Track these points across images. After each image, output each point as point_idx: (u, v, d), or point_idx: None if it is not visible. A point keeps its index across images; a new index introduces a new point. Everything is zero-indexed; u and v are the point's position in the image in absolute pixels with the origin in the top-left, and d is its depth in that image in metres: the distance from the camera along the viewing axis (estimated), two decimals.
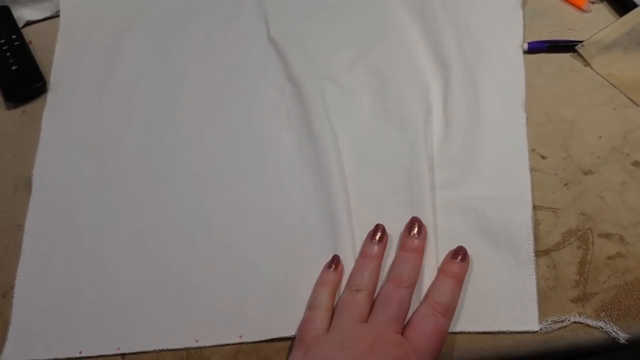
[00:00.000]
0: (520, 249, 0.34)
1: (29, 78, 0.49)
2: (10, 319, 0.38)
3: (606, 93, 0.40)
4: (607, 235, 0.34)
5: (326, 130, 0.40)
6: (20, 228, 0.41)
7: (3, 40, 0.51)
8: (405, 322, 0.31)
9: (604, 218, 0.34)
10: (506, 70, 0.42)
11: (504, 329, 0.31)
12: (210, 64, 0.47)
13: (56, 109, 0.47)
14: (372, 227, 0.36)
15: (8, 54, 0.50)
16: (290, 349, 0.33)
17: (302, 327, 0.32)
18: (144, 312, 0.36)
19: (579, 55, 0.42)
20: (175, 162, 0.43)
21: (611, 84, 0.40)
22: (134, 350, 0.35)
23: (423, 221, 0.35)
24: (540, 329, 0.31)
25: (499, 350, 0.31)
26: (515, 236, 0.34)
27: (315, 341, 0.31)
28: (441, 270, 0.33)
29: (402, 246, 0.34)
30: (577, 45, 0.42)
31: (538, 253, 0.34)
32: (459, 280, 0.32)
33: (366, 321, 0.31)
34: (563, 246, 0.34)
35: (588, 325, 0.31)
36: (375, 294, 0.33)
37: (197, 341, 0.34)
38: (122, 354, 0.35)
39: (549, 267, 0.33)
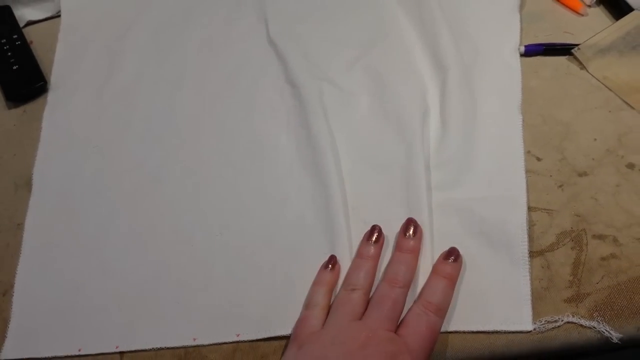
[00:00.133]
0: (515, 250, 0.34)
1: (30, 78, 0.49)
2: (10, 316, 0.38)
3: (601, 96, 0.40)
4: (600, 237, 0.34)
5: (324, 131, 0.41)
6: (20, 227, 0.42)
7: (4, 40, 0.51)
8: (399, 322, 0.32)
9: (598, 219, 0.35)
10: (503, 72, 0.42)
11: (498, 328, 0.32)
12: (210, 64, 0.48)
13: (57, 109, 0.48)
14: (369, 227, 0.36)
15: (9, 54, 0.50)
16: (285, 347, 0.33)
17: (297, 325, 0.33)
18: (143, 310, 0.37)
19: (575, 58, 0.42)
20: (175, 161, 0.43)
21: (606, 87, 0.41)
22: (133, 349, 0.35)
23: (419, 222, 0.35)
24: (534, 329, 0.31)
25: (493, 349, 0.32)
26: (510, 237, 0.34)
27: (309, 337, 0.31)
28: (434, 271, 0.33)
29: (397, 247, 0.35)
30: (573, 48, 0.42)
31: (532, 254, 0.34)
32: (452, 281, 0.32)
33: (360, 319, 0.31)
34: (557, 247, 0.34)
35: (581, 325, 0.31)
36: (371, 294, 0.33)
37: (195, 340, 0.35)
38: (121, 352, 0.35)
39: (543, 267, 0.34)
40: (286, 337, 0.34)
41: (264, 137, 0.43)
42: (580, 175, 0.37)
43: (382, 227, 0.36)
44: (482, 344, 0.32)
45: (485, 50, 0.43)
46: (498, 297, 0.33)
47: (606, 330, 0.31)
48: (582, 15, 0.45)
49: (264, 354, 0.34)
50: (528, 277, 0.33)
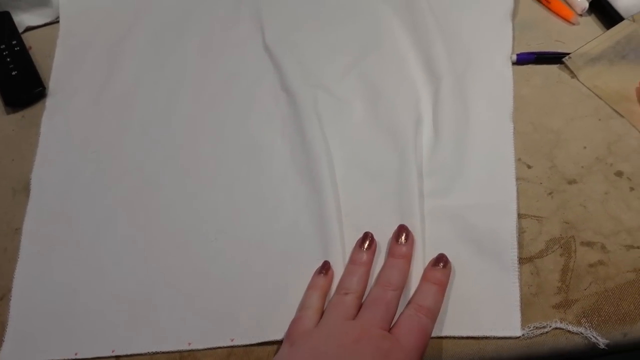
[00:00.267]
0: (505, 256, 0.35)
1: (29, 83, 0.50)
2: (7, 321, 0.38)
3: (592, 104, 0.41)
4: (589, 244, 0.35)
5: (318, 137, 0.41)
6: (18, 231, 0.42)
7: (3, 46, 0.52)
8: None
9: (587, 227, 0.35)
10: (495, 80, 0.43)
11: (488, 334, 0.32)
12: (207, 70, 0.48)
13: (55, 114, 0.48)
14: (361, 233, 0.37)
15: (8, 59, 0.51)
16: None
17: (291, 325, 0.33)
18: (139, 315, 0.37)
19: (566, 67, 0.43)
20: (171, 167, 0.44)
21: (597, 95, 0.41)
22: (129, 353, 0.36)
23: (411, 228, 0.36)
24: (523, 335, 0.32)
25: (482, 355, 0.32)
26: (500, 244, 0.35)
27: (302, 335, 0.32)
28: (424, 277, 0.34)
29: (390, 253, 0.35)
30: (564, 57, 0.43)
31: (522, 260, 0.35)
32: (442, 287, 0.33)
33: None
34: (546, 254, 0.35)
35: (569, 331, 0.32)
36: (364, 299, 0.34)
37: (189, 344, 0.35)
38: (117, 356, 0.36)
39: (532, 274, 0.34)
40: (280, 342, 0.34)
41: (259, 143, 0.43)
42: (569, 182, 0.37)
43: (374, 233, 0.37)
44: (472, 349, 0.32)
45: (477, 59, 0.44)
46: (488, 303, 0.33)
47: (593, 336, 0.31)
48: (574, 24, 0.46)
49: (258, 358, 0.34)
50: (517, 284, 0.34)
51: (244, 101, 0.46)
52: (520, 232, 0.36)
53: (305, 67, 0.46)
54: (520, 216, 0.36)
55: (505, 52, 0.44)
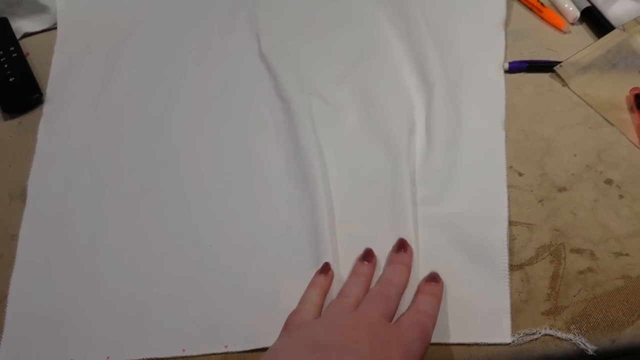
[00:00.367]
0: (496, 263, 0.35)
1: (26, 89, 0.50)
2: (3, 327, 0.39)
3: (582, 112, 0.41)
4: (578, 251, 0.35)
5: (312, 145, 0.42)
6: (14, 237, 0.42)
7: (1, 52, 0.52)
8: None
9: (576, 234, 0.36)
10: (487, 88, 0.43)
11: (478, 340, 0.33)
12: (204, 77, 0.49)
13: (52, 121, 0.49)
14: (355, 240, 0.37)
15: (6, 66, 0.51)
16: None
17: (289, 316, 0.33)
18: (134, 321, 0.38)
19: (558, 75, 0.43)
20: (167, 174, 0.44)
21: (587, 103, 0.42)
22: (123, 359, 0.36)
23: (405, 236, 0.36)
24: (513, 341, 0.32)
25: None
26: (491, 251, 0.36)
27: (300, 325, 0.31)
28: (419, 291, 0.34)
29: (390, 261, 0.35)
30: (555, 65, 0.44)
31: (513, 267, 0.35)
32: (437, 298, 0.33)
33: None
34: (536, 261, 0.35)
35: (558, 338, 0.32)
36: None
37: (184, 350, 0.36)
38: None
39: (522, 281, 0.35)
40: None
41: (254, 151, 0.43)
42: (560, 190, 0.38)
43: (368, 241, 0.37)
44: (462, 355, 0.33)
45: (470, 67, 0.44)
46: (479, 310, 0.34)
47: (582, 343, 0.32)
48: (565, 33, 0.46)
49: None
50: (508, 291, 0.34)
51: (239, 108, 0.46)
52: (511, 239, 0.36)
53: (300, 74, 0.47)
54: (511, 223, 0.37)
55: (497, 61, 0.44)
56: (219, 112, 0.46)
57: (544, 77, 0.44)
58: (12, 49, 0.52)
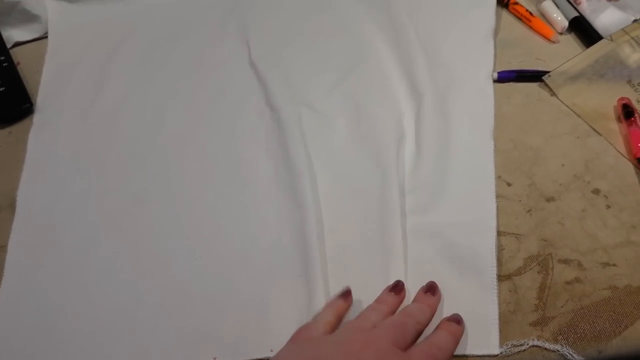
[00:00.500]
0: (484, 274, 0.35)
1: (16, 99, 0.50)
2: None
3: (570, 122, 0.42)
4: (566, 261, 0.35)
5: (302, 154, 0.42)
6: (3, 248, 0.42)
7: None
8: None
9: (564, 244, 0.36)
10: (476, 98, 0.43)
11: (466, 352, 0.33)
12: (194, 87, 0.49)
13: (42, 131, 0.48)
14: (344, 251, 0.37)
15: None
16: None
17: (298, 330, 0.32)
18: (123, 332, 0.37)
19: (546, 85, 0.44)
20: (157, 185, 0.44)
21: (575, 113, 0.42)
22: None
23: (393, 246, 0.37)
24: (501, 353, 0.33)
25: None
26: (480, 261, 0.36)
27: (308, 339, 0.30)
28: (439, 327, 0.32)
29: (416, 299, 0.34)
30: (544, 75, 0.44)
31: (501, 278, 0.35)
32: (457, 339, 0.31)
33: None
34: (524, 271, 0.35)
35: (546, 349, 0.32)
36: None
37: None
38: None
39: (510, 291, 0.35)
40: None
41: (244, 160, 0.43)
42: (547, 200, 0.38)
43: (357, 251, 0.37)
44: None
45: (459, 76, 0.45)
46: (466, 321, 0.34)
47: (569, 354, 0.32)
48: (554, 42, 0.47)
49: None
50: (496, 302, 0.34)
51: (229, 118, 0.46)
52: (500, 249, 0.36)
53: (290, 84, 0.47)
54: (499, 234, 0.37)
55: (486, 70, 0.45)
56: (209, 122, 0.46)
57: (532, 87, 0.44)
58: (2, 58, 0.52)
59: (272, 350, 0.34)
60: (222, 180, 0.43)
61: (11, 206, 0.44)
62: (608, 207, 0.37)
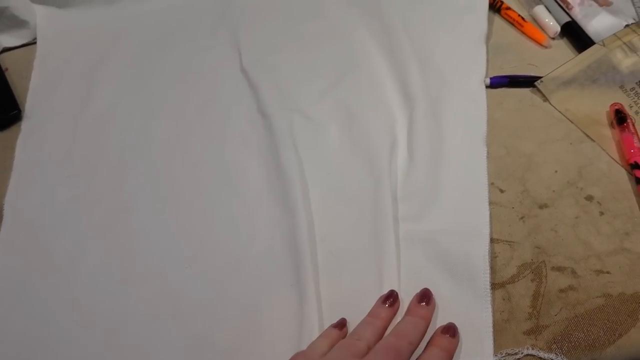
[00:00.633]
0: (478, 282, 0.35)
1: (4, 106, 0.49)
2: None
3: (563, 128, 0.42)
4: (559, 269, 0.35)
5: (293, 162, 0.41)
6: None
7: None
8: None
9: (557, 251, 0.36)
10: (469, 104, 0.43)
11: None
12: (184, 94, 0.48)
13: (30, 137, 0.48)
14: (336, 257, 0.37)
15: None
16: None
17: (295, 355, 0.32)
18: (113, 343, 0.37)
19: (539, 90, 0.44)
20: (147, 192, 0.43)
21: (568, 119, 0.42)
22: None
23: (386, 253, 0.36)
24: None
25: None
26: (473, 269, 0.35)
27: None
28: (433, 342, 0.32)
29: (408, 312, 0.34)
30: (536, 80, 0.44)
31: (494, 286, 0.35)
32: (450, 355, 0.31)
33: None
34: (518, 279, 0.35)
35: (540, 358, 0.32)
36: None
37: None
38: None
39: (504, 299, 0.35)
40: None
41: (235, 168, 0.43)
42: (541, 207, 0.38)
43: (349, 259, 0.37)
44: None
45: (452, 82, 0.44)
46: (461, 330, 0.33)
47: None
48: (546, 47, 0.46)
49: None
50: (490, 310, 0.34)
51: (220, 125, 0.46)
52: (493, 257, 0.36)
53: (281, 90, 0.46)
54: (492, 241, 0.37)
55: (479, 76, 0.44)
56: (199, 129, 0.46)
57: (525, 92, 0.44)
58: None
59: None
60: (213, 187, 0.43)
61: None
62: (601, 213, 0.37)
